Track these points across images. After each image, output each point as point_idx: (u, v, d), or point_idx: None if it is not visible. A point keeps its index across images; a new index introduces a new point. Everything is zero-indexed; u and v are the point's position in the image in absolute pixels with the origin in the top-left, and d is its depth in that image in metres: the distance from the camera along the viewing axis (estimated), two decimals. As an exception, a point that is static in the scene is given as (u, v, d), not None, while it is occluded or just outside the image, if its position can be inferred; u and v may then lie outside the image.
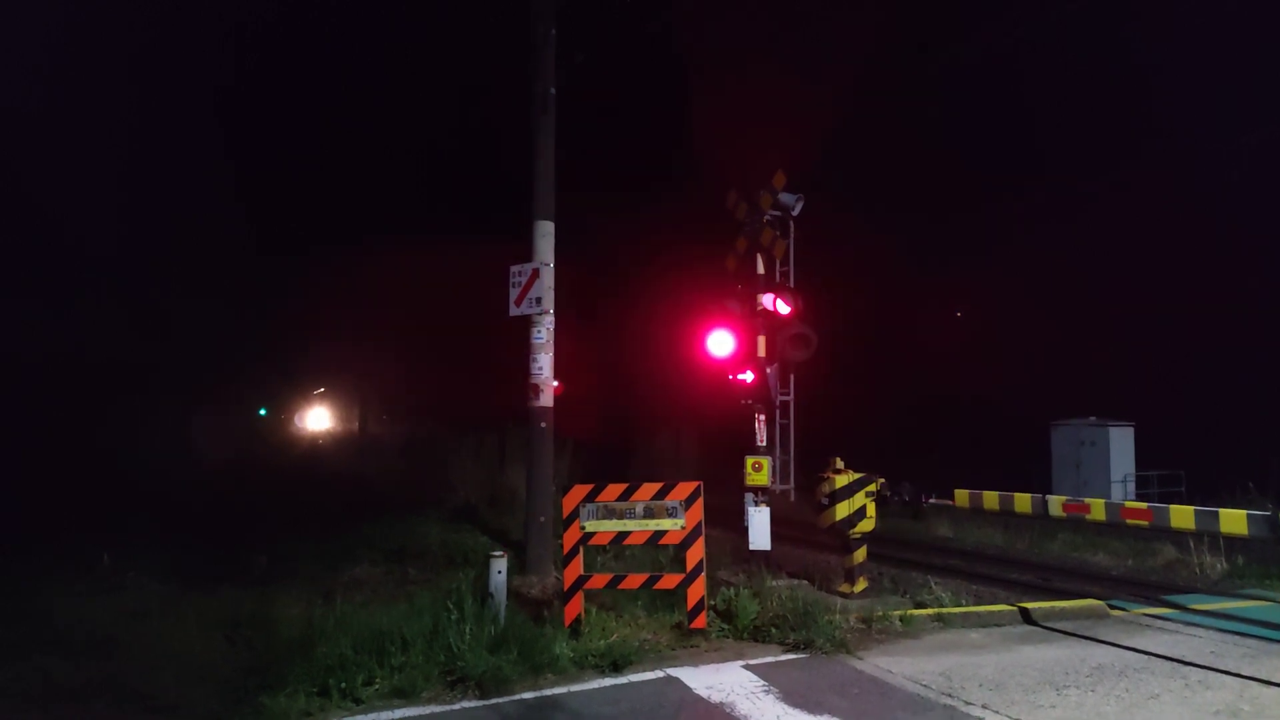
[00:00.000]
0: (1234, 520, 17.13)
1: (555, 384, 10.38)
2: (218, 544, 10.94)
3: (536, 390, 10.16)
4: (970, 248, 35.05)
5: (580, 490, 7.61)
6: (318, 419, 65.06)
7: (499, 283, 10.38)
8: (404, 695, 5.95)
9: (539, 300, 10.04)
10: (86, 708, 5.62)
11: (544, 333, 10.14)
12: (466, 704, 5.90)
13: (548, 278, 10.10)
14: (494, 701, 5.94)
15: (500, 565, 7.47)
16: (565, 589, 7.48)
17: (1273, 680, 6.62)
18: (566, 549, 7.50)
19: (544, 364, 10.15)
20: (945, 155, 39.42)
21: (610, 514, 7.57)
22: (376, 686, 6.03)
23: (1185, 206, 30.87)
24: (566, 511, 7.55)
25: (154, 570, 9.12)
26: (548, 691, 6.18)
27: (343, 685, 5.89)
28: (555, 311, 10.21)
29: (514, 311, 10.24)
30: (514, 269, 10.24)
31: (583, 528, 7.53)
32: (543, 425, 10.28)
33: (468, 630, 6.67)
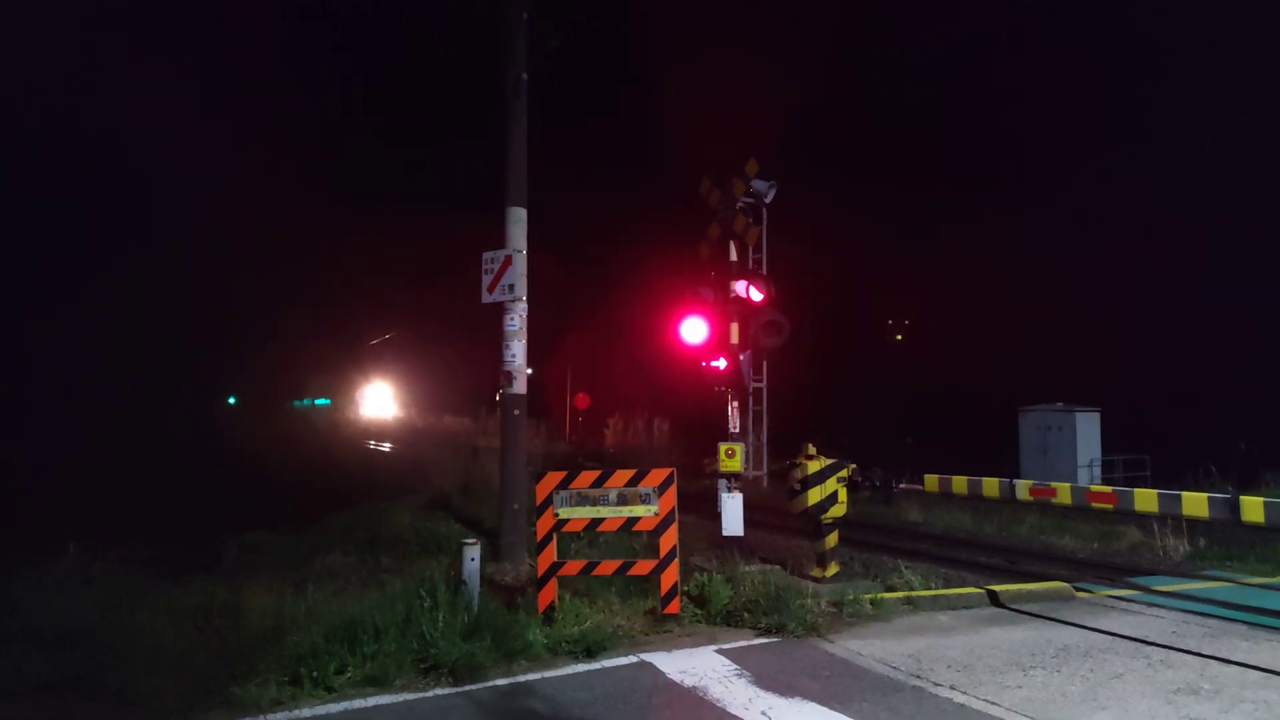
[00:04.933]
0: (1196, 503, 17.49)
1: (529, 370, 10.36)
2: (188, 534, 10.83)
3: (509, 377, 10.13)
4: (941, 236, 35.36)
5: (554, 477, 7.61)
6: (377, 403, 53.17)
7: (474, 267, 10.34)
8: (377, 683, 5.94)
9: (512, 287, 10.00)
10: (57, 700, 5.55)
11: (517, 320, 10.10)
12: (440, 691, 5.91)
13: (520, 265, 10.06)
14: (468, 688, 5.95)
15: (473, 553, 7.46)
16: (539, 576, 7.49)
17: (1231, 659, 6.78)
18: (540, 536, 7.50)
19: (517, 351, 10.11)
20: (914, 144, 39.71)
21: (584, 501, 7.58)
22: (349, 675, 6.01)
23: (1153, 196, 31.33)
24: (540, 499, 7.55)
25: (123, 560, 9.02)
26: (521, 678, 6.19)
27: (314, 674, 5.86)
28: (528, 298, 10.18)
29: (486, 299, 10.19)
30: (486, 256, 10.18)
31: (556, 515, 7.53)
32: (516, 413, 10.25)
33: (441, 618, 6.66)
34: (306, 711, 5.51)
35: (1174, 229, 30.78)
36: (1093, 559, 12.63)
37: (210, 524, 11.62)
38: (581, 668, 6.45)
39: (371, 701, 5.68)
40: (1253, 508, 16.52)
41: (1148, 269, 31.29)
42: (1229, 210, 30.21)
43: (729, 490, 10.32)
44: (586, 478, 7.62)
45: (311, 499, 14.96)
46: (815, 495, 9.68)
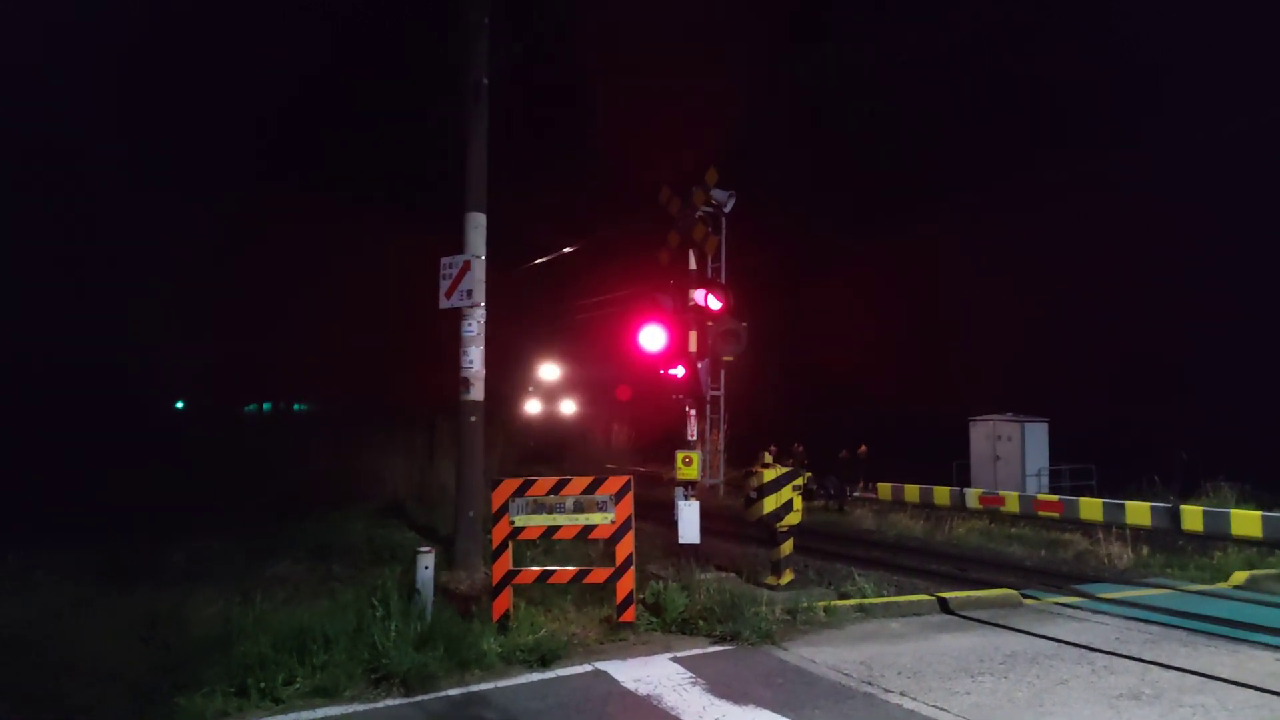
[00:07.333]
0: (1139, 512, 17.95)
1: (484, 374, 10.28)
2: (133, 542, 10.56)
3: (467, 383, 10.04)
4: (896, 248, 35.85)
5: (510, 484, 7.57)
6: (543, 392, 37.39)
7: (433, 271, 10.23)
8: (326, 694, 5.85)
9: (470, 293, 9.92)
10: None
11: (475, 325, 10.02)
12: (391, 702, 5.83)
13: (479, 270, 9.99)
14: (419, 699, 5.88)
15: (427, 561, 7.39)
16: (494, 584, 7.44)
17: (1171, 664, 6.97)
18: (495, 544, 7.45)
19: (475, 357, 10.03)
20: (868, 154, 40.29)
21: (540, 508, 7.55)
22: (297, 685, 5.91)
23: (1103, 208, 32.12)
24: (496, 506, 7.50)
25: (65, 569, 8.78)
26: (475, 688, 6.14)
27: (262, 685, 5.76)
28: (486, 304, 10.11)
29: (444, 304, 10.10)
30: (445, 261, 10.08)
31: (512, 522, 7.49)
32: (473, 419, 10.15)
33: (393, 627, 6.58)
34: (253, 723, 5.41)
35: (1126, 242, 31.58)
36: (1040, 566, 12.87)
37: (156, 531, 11.34)
38: (535, 677, 6.41)
39: (320, 713, 5.59)
40: (1192, 516, 17.00)
41: (1105, 277, 32.08)
42: (1179, 220, 31.07)
43: (686, 498, 10.35)
44: (543, 485, 7.59)
45: (259, 505, 14.63)
46: (771, 503, 9.75)
